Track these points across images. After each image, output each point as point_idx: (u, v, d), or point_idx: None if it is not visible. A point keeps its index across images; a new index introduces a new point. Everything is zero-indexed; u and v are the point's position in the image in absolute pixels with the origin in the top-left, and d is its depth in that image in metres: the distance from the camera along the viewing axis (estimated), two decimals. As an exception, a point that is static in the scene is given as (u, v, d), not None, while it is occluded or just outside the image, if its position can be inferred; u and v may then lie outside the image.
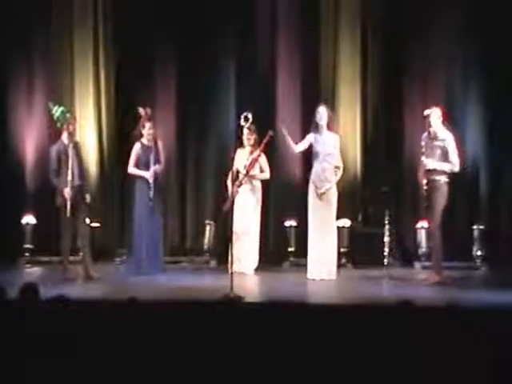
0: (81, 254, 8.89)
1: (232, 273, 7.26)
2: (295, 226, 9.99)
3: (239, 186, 9.19)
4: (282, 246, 10.11)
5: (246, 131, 9.27)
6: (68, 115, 8.68)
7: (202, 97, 10.42)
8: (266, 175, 9.42)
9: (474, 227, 9.77)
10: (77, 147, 8.76)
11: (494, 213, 9.95)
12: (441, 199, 8.20)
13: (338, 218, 9.02)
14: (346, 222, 9.80)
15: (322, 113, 8.82)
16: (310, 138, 8.86)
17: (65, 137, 8.64)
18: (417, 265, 9.78)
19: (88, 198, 8.74)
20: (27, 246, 9.98)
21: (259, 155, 9.26)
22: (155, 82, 10.55)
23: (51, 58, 10.52)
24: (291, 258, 9.98)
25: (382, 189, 9.47)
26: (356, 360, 4.10)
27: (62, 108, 8.69)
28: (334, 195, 8.79)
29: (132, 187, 9.25)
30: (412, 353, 4.08)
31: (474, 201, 9.99)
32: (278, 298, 7.32)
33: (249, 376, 4.09)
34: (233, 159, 8.24)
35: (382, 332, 4.27)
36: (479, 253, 9.74)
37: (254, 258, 9.29)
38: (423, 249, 9.79)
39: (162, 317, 4.64)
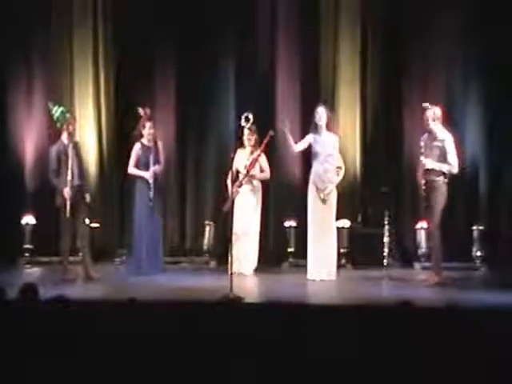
0: (80, 254, 8.89)
1: (232, 273, 7.26)
2: (295, 227, 9.99)
3: (239, 186, 9.19)
4: (282, 247, 10.10)
5: (246, 132, 9.27)
6: (68, 115, 8.68)
7: (201, 97, 10.42)
8: (266, 175, 9.42)
9: (474, 228, 9.76)
10: (76, 147, 8.76)
11: (493, 213, 9.95)
12: (440, 199, 8.19)
13: (337, 218, 9.02)
14: (345, 223, 9.79)
15: (321, 113, 8.83)
16: (309, 138, 8.86)
17: (64, 137, 8.64)
18: (416, 265, 9.78)
19: (88, 198, 8.74)
20: (27, 246, 9.98)
21: (259, 155, 9.26)
22: (155, 82, 10.55)
23: (51, 58, 10.51)
24: (291, 259, 9.97)
25: (381, 189, 9.46)
26: (355, 361, 4.10)
27: (61, 108, 8.69)
28: (333, 196, 8.79)
29: (132, 187, 9.26)
30: (412, 353, 4.08)
31: (473, 201, 9.99)
32: (277, 298, 7.32)
33: (248, 376, 4.09)
34: (232, 159, 8.24)
35: (381, 333, 4.27)
36: (479, 253, 9.73)
37: (253, 259, 9.29)
38: (423, 249, 9.78)
39: (162, 317, 4.64)
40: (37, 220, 10.04)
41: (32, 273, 9.52)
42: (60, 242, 8.70)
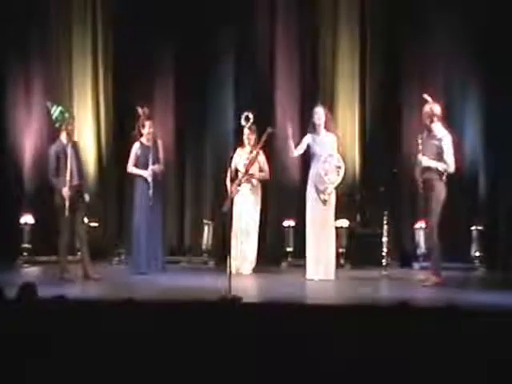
0: (79, 253, 8.89)
1: (230, 273, 7.26)
2: (293, 226, 9.99)
3: (239, 185, 9.19)
4: (281, 247, 10.11)
5: (246, 131, 9.28)
6: (66, 115, 8.67)
7: (200, 96, 10.42)
8: (265, 175, 9.42)
9: (473, 228, 9.76)
10: (75, 147, 8.75)
11: (492, 214, 9.94)
12: (437, 198, 8.16)
13: (336, 218, 9.02)
14: (344, 223, 9.79)
15: (320, 113, 8.83)
16: (308, 138, 8.85)
17: (63, 136, 8.63)
18: (415, 265, 9.78)
19: (87, 197, 8.72)
20: (25, 245, 9.96)
21: (258, 153, 9.25)
22: (154, 81, 10.55)
23: (50, 57, 10.51)
24: (289, 259, 9.97)
25: (380, 189, 9.46)
26: (354, 361, 4.10)
27: (60, 108, 8.68)
28: (332, 196, 8.79)
29: (131, 187, 9.26)
30: (410, 354, 4.08)
31: (472, 202, 9.98)
32: (276, 298, 7.33)
33: (247, 376, 4.09)
34: (231, 158, 8.23)
35: (380, 333, 4.27)
36: (478, 254, 9.74)
37: (252, 259, 9.29)
38: (422, 249, 9.79)
39: (161, 316, 4.64)
40: (35, 219, 10.03)
41: (31, 272, 9.51)
42: (59, 241, 8.68)
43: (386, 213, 9.16)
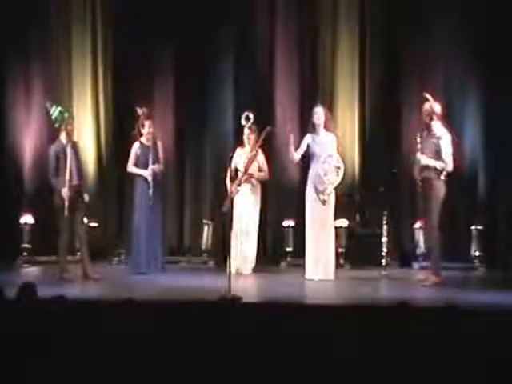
0: (79, 253, 8.89)
1: (230, 273, 7.26)
2: (293, 226, 9.99)
3: (238, 185, 9.19)
4: (280, 247, 10.11)
5: (246, 131, 9.28)
6: (66, 115, 8.66)
7: (200, 96, 10.42)
8: (265, 175, 9.41)
9: (473, 228, 9.76)
10: (75, 147, 8.75)
11: (492, 213, 9.94)
12: (436, 196, 8.15)
13: (335, 218, 9.02)
14: (343, 222, 9.79)
15: (319, 113, 8.83)
16: (308, 139, 8.85)
17: (63, 137, 8.62)
18: (415, 265, 9.78)
19: (86, 197, 8.72)
20: (25, 245, 9.96)
21: (257, 151, 9.25)
22: (154, 81, 10.55)
23: (49, 57, 10.50)
24: (289, 258, 9.97)
25: (379, 189, 9.45)
26: (354, 361, 4.10)
27: (60, 108, 8.68)
28: (332, 196, 8.79)
29: (131, 186, 9.26)
30: (410, 353, 4.08)
31: (472, 201, 9.98)
32: (275, 298, 7.33)
33: (247, 376, 4.09)
34: (231, 158, 8.23)
35: (379, 333, 4.27)
36: (477, 253, 9.74)
37: (252, 258, 9.29)
38: (421, 249, 9.78)
39: (160, 316, 4.64)
40: (35, 220, 10.02)
41: (30, 272, 9.51)
42: (58, 241, 8.67)
43: (385, 213, 9.16)
